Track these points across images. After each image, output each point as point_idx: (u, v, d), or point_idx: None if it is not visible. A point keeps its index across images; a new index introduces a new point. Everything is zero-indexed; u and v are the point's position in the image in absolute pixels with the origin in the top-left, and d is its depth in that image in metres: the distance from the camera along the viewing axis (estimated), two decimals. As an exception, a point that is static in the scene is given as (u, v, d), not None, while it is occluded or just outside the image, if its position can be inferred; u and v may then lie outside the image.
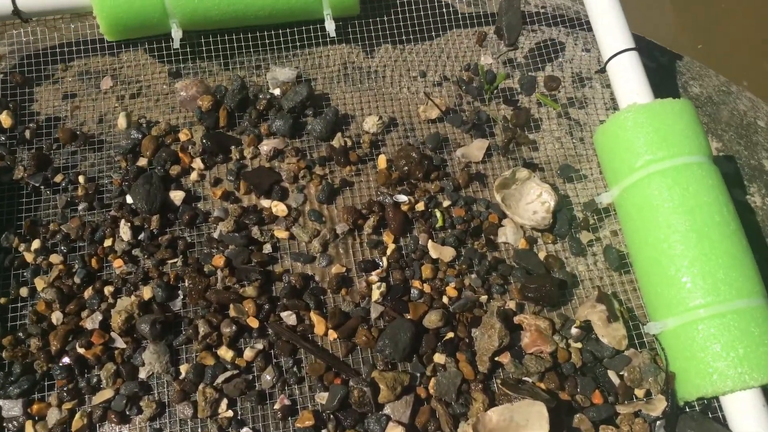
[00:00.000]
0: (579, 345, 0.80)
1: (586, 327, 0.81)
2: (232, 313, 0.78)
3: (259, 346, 0.77)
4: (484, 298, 0.82)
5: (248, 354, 0.76)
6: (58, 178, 0.86)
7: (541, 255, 0.86)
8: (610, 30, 0.90)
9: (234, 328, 0.76)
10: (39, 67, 0.95)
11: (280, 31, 0.97)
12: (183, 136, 0.90)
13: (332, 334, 0.78)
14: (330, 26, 0.94)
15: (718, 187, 0.79)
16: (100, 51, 0.97)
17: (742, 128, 1.08)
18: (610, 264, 0.86)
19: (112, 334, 0.76)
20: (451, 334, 0.79)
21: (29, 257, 0.81)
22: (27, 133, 0.89)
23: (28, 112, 0.92)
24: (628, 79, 0.87)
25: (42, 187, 0.86)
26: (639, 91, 0.86)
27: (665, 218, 0.78)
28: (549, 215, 0.87)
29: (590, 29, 0.99)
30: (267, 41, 0.98)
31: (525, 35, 1.05)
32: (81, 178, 0.86)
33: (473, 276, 0.84)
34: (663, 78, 1.11)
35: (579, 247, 0.87)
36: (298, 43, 0.99)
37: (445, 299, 0.82)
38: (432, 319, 0.79)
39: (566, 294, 0.84)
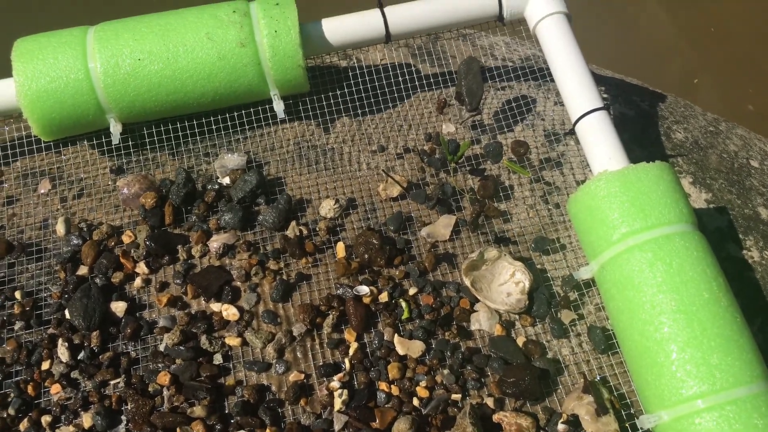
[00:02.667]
0: (567, 443, 0.72)
1: (574, 422, 0.73)
2: (179, 438, 0.71)
3: (210, 474, 0.70)
4: (457, 396, 0.74)
5: (198, 485, 0.69)
6: (-7, 296, 0.80)
7: (520, 341, 0.79)
8: (574, 89, 0.84)
9: (181, 456, 0.69)
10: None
11: (228, 115, 0.92)
12: (126, 238, 0.84)
13: (291, 454, 0.71)
14: (278, 107, 0.88)
15: (705, 258, 0.72)
16: (38, 151, 0.91)
17: (734, 173, 1.01)
18: (596, 345, 0.78)
19: (49, 472, 0.69)
20: (423, 443, 0.72)
21: (-39, 388, 0.75)
22: (-39, 248, 0.83)
23: (-37, 223, 0.87)
24: (598, 142, 0.80)
25: (-25, 307, 0.80)
26: (611, 155, 0.79)
27: (649, 298, 0.71)
28: (524, 296, 0.79)
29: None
30: (215, 126, 0.92)
31: (492, 94, 0.99)
32: (18, 294, 0.80)
33: (446, 371, 0.76)
34: (644, 126, 1.04)
35: (561, 329, 0.79)
36: (247, 126, 0.93)
37: (415, 401, 0.74)
38: (401, 428, 0.71)
39: (550, 383, 0.77)
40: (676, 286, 0.70)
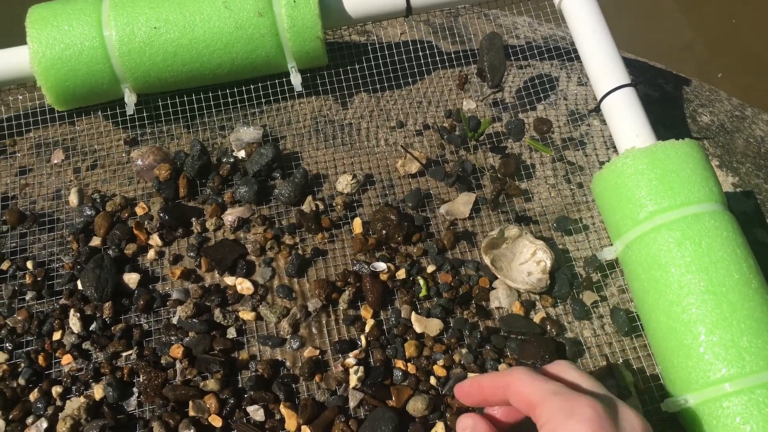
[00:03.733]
0: (588, 426, 0.70)
1: (595, 404, 0.71)
2: (191, 411, 0.69)
3: (223, 448, 0.68)
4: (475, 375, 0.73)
5: (210, 459, 0.67)
6: (4, 266, 0.79)
7: (538, 318, 0.77)
8: (601, 65, 0.81)
9: (193, 430, 0.67)
10: (-12, 143, 0.89)
11: (244, 88, 0.90)
12: (140, 210, 0.82)
13: (305, 430, 0.69)
14: (296, 80, 0.86)
15: (735, 239, 0.70)
16: (51, 121, 0.90)
17: (761, 157, 0.98)
18: (619, 328, 0.76)
19: (59, 443, 0.68)
20: (441, 426, 0.70)
21: (-28, 357, 0.73)
22: (-27, 217, 0.82)
23: (-24, 192, 0.86)
24: (625, 119, 0.78)
25: (-13, 276, 0.79)
26: (638, 132, 0.77)
27: (676, 278, 0.68)
28: (546, 276, 0.77)
29: (583, 63, 0.91)
30: (230, 99, 0.90)
31: (513, 72, 0.97)
32: (29, 264, 0.79)
33: (464, 351, 0.74)
34: (669, 108, 1.02)
35: (583, 310, 0.77)
36: (263, 99, 0.91)
37: (432, 380, 0.73)
38: (417, 407, 0.70)
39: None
40: (705, 266, 0.68)
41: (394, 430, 0.68)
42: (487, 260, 0.77)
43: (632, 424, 0.53)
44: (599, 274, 0.80)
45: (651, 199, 0.71)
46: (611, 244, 0.78)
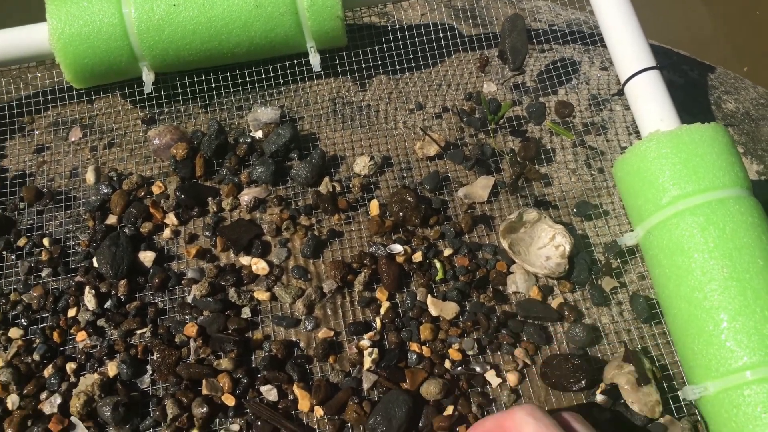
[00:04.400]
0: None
1: (613, 391, 0.70)
2: (204, 390, 0.69)
3: (236, 427, 0.68)
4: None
5: (223, 438, 0.67)
6: (21, 242, 0.79)
7: (555, 303, 0.75)
8: (626, 47, 0.80)
9: (206, 408, 0.67)
10: (4, 120, 0.89)
11: (262, 68, 0.89)
12: (156, 189, 0.82)
13: (318, 411, 0.69)
14: (314, 60, 0.85)
15: (760, 225, 0.68)
16: (69, 99, 0.90)
17: (787, 146, 0.96)
18: (638, 315, 0.75)
19: (73, 419, 0.68)
20: (450, 409, 0.69)
21: (-12, 332, 0.74)
22: (-9, 193, 0.83)
23: (-6, 169, 0.86)
24: (649, 102, 0.76)
25: (4, 252, 0.79)
26: (662, 115, 0.76)
27: (699, 264, 0.67)
28: (564, 261, 0.76)
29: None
30: (248, 79, 0.90)
31: (535, 56, 0.95)
32: (46, 241, 0.79)
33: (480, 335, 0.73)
34: (693, 95, 1.00)
35: (601, 296, 0.76)
36: (281, 80, 0.90)
37: (447, 364, 0.72)
38: (431, 391, 0.69)
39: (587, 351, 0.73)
40: (729, 252, 0.66)
41: (407, 413, 0.67)
42: (505, 244, 0.76)
43: None
44: (619, 260, 0.79)
45: (675, 184, 0.70)
46: (632, 230, 0.77)
